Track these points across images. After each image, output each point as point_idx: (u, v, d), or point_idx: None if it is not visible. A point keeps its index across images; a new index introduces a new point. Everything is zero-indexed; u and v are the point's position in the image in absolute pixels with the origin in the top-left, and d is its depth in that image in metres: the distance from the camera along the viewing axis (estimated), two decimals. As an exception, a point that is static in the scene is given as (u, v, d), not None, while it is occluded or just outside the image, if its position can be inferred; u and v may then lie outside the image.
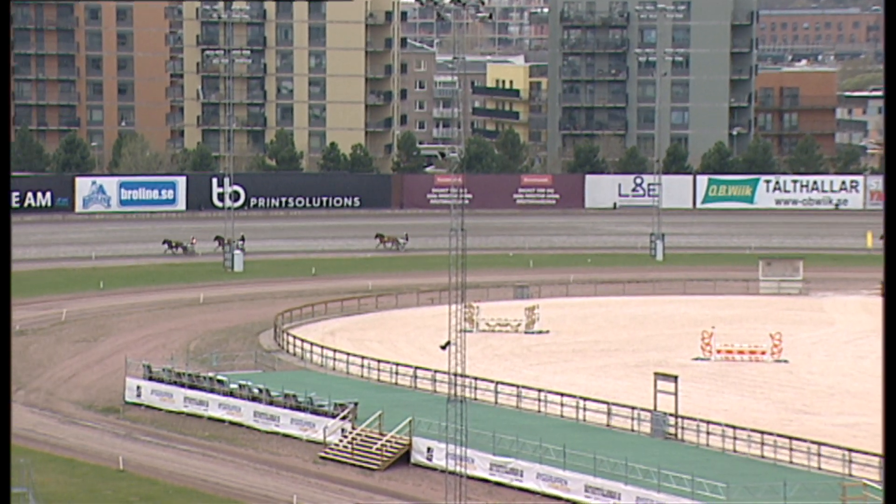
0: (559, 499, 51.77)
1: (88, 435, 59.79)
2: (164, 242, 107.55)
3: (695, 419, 57.19)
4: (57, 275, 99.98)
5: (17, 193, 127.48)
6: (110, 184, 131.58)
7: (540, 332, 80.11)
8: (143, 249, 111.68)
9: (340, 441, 57.65)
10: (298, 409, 60.00)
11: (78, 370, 71.28)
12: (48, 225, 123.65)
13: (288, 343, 75.73)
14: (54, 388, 67.68)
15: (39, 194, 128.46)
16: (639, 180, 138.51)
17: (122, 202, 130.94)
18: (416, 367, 66.74)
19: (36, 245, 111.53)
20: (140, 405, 64.32)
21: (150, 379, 65.08)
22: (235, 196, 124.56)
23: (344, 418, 58.45)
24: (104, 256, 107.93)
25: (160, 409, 63.69)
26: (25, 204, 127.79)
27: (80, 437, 59.41)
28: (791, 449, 53.64)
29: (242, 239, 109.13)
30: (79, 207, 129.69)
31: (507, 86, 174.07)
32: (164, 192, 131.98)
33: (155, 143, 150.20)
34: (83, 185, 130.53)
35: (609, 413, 59.07)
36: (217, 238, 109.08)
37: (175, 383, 64.12)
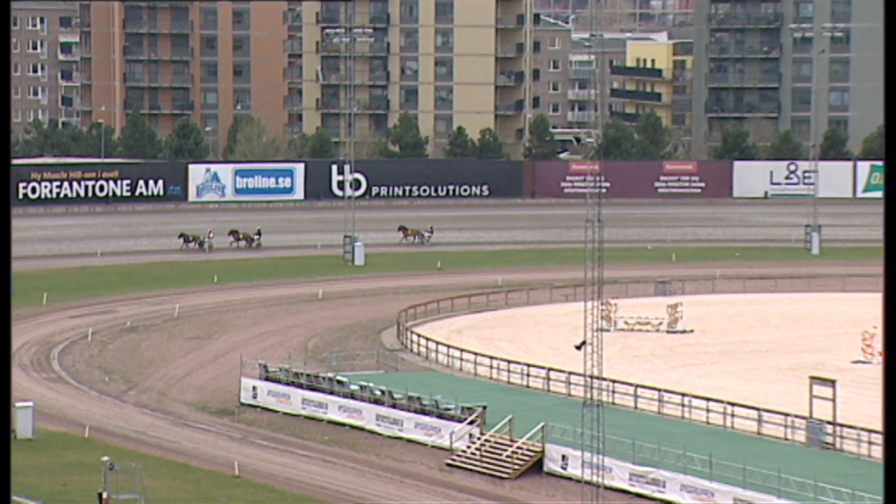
0: (704, 513, 51.40)
1: (202, 438, 60.68)
2: (179, 236, 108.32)
3: (855, 427, 56.39)
4: (169, 268, 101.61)
5: (128, 182, 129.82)
6: (225, 171, 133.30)
7: (683, 332, 79.55)
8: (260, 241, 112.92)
9: (468, 447, 57.80)
10: (423, 412, 60.26)
11: (191, 369, 72.39)
12: (160, 215, 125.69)
13: (412, 342, 76.09)
14: (167, 388, 68.82)
15: (151, 182, 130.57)
16: (793, 167, 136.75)
17: (237, 191, 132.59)
18: (549, 369, 66.67)
19: (148, 236, 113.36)
20: (256, 407, 65.10)
21: (267, 379, 65.82)
22: (356, 184, 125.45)
23: (472, 423, 58.59)
24: (218, 248, 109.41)
25: (277, 412, 64.40)
26: (137, 192, 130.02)
27: (194, 440, 60.30)
28: (961, 462, 52.56)
29: (259, 234, 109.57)
30: (192, 196, 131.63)
31: (649, 65, 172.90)
32: (281, 180, 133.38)
33: (272, 127, 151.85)
34: (196, 172, 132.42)
35: (760, 420, 58.49)
36: (232, 232, 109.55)
37: (292, 384, 64.77)
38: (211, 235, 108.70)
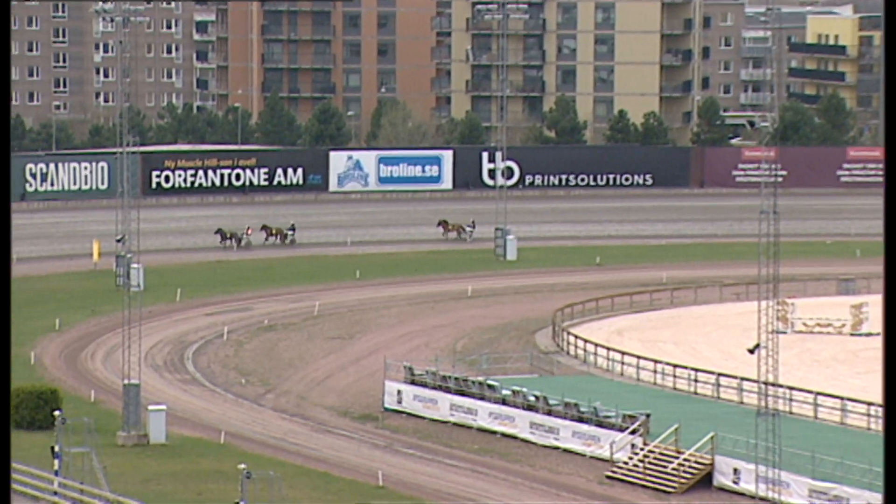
0: (891, 534, 50.61)
1: (344, 445, 61.34)
2: (216, 233, 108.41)
3: None
4: (309, 262, 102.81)
5: (265, 170, 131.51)
6: (368, 159, 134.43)
7: (869, 335, 78.52)
8: (405, 234, 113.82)
9: (630, 458, 57.70)
10: (581, 420, 60.27)
11: (332, 371, 73.20)
12: (299, 206, 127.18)
13: (568, 343, 76.15)
14: (306, 392, 69.67)
15: (290, 171, 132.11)
16: None
17: (381, 180, 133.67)
18: (719, 374, 66.34)
19: (286, 229, 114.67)
20: (401, 412, 65.62)
21: (412, 383, 66.31)
22: (509, 173, 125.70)
23: (634, 432, 58.46)
24: (361, 242, 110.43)
25: (423, 418, 64.86)
26: (275, 182, 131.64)
27: (335, 447, 60.99)
28: None
29: (293, 229, 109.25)
30: (333, 186, 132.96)
31: (832, 41, 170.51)
32: (427, 168, 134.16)
33: (418, 111, 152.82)
34: (338, 160, 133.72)
35: (953, 433, 57.45)
36: (264, 227, 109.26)
37: (440, 388, 65.18)
38: (249, 232, 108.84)
